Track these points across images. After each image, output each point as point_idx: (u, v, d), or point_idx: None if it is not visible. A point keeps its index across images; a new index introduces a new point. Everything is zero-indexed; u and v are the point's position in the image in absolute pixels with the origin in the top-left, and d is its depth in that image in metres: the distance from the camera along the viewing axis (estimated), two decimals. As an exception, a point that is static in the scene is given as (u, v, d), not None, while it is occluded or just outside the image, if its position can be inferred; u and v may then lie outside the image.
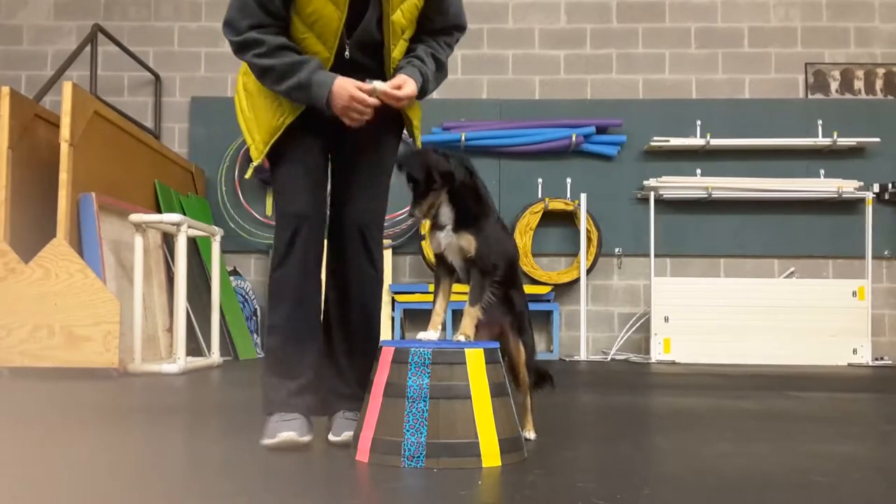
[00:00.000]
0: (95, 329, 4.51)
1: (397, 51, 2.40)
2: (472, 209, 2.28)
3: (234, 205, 7.12)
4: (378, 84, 2.28)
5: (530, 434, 2.45)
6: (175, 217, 5.01)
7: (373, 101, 2.27)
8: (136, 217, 4.93)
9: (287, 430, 2.25)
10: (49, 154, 5.02)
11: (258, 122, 2.38)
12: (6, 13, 7.41)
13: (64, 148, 4.78)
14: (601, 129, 7.06)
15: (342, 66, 2.32)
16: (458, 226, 2.27)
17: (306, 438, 2.28)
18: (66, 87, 4.87)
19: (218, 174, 7.14)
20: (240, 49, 2.30)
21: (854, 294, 6.56)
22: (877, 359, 6.62)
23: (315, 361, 2.43)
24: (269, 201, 7.12)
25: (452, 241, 2.27)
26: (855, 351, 6.50)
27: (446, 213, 2.28)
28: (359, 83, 2.26)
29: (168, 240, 5.83)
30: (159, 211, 5.93)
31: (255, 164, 2.38)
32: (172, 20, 7.38)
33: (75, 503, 1.71)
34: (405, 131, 2.58)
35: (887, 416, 3.33)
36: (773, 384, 4.62)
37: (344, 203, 2.47)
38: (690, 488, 1.87)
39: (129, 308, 4.89)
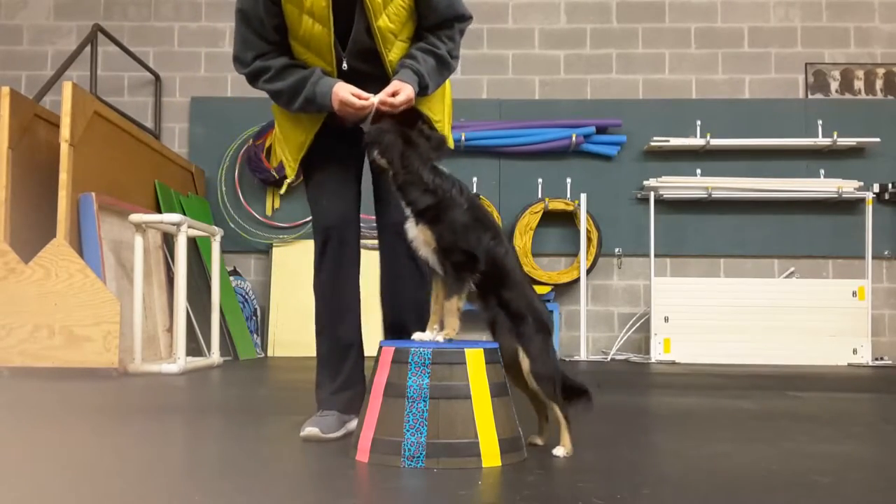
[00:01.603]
0: (95, 329, 4.51)
1: (393, 54, 2.44)
2: (419, 199, 2.20)
3: (234, 205, 7.12)
4: (374, 98, 2.36)
5: (559, 451, 2.19)
6: (175, 217, 5.01)
7: (361, 103, 2.35)
8: (136, 217, 4.93)
9: (312, 427, 2.41)
10: (49, 154, 5.02)
11: (287, 141, 2.55)
12: (6, 13, 7.41)
13: (64, 148, 4.78)
14: (601, 129, 7.06)
15: (344, 77, 2.42)
16: (417, 217, 2.22)
17: (332, 435, 2.41)
18: (66, 88, 4.86)
19: (218, 174, 7.14)
20: (251, 79, 2.48)
21: (854, 294, 6.56)
22: (877, 359, 6.62)
23: (354, 361, 2.58)
24: (269, 201, 7.12)
25: (417, 235, 2.23)
26: (855, 351, 6.50)
27: (400, 200, 2.26)
28: (356, 91, 2.35)
29: (168, 240, 5.83)
30: (159, 211, 5.93)
31: (288, 180, 2.63)
32: (172, 20, 7.38)
33: (75, 503, 1.71)
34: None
35: (887, 416, 3.33)
36: (773, 384, 4.62)
37: (379, 208, 2.60)
38: (690, 488, 1.87)
39: (129, 308, 4.89)
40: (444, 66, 2.50)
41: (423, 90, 2.43)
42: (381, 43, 2.40)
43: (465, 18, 2.53)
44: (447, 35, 2.50)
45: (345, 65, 2.42)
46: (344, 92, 2.34)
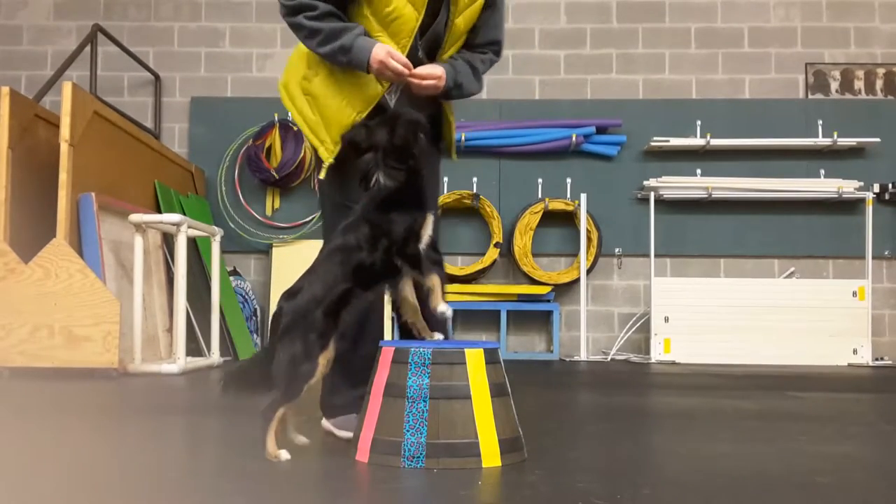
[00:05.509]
0: (95, 329, 4.51)
1: (447, 54, 2.54)
2: None
3: (234, 205, 7.12)
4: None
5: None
6: (175, 217, 5.01)
7: (400, 67, 2.36)
8: (136, 217, 4.93)
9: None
10: (49, 154, 5.02)
11: (326, 122, 2.46)
12: (6, 13, 7.41)
13: (64, 148, 4.78)
14: (601, 130, 7.06)
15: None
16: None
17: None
18: (66, 88, 4.87)
19: (218, 174, 7.14)
20: (292, 11, 2.39)
21: (854, 294, 6.56)
22: (877, 359, 6.62)
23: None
24: (269, 201, 7.12)
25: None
26: (855, 351, 6.50)
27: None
28: (397, 55, 2.36)
29: (168, 240, 5.82)
30: (159, 211, 5.93)
31: (326, 164, 2.46)
32: (172, 20, 7.38)
33: (75, 503, 1.71)
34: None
35: (887, 416, 3.33)
36: (773, 384, 4.62)
37: None
38: (690, 488, 1.87)
39: (129, 308, 4.89)
40: (477, 80, 2.58)
41: (453, 91, 2.51)
42: (448, 40, 2.50)
43: (500, 49, 2.65)
44: (483, 58, 2.60)
45: (420, 52, 2.48)
46: (384, 51, 2.33)
